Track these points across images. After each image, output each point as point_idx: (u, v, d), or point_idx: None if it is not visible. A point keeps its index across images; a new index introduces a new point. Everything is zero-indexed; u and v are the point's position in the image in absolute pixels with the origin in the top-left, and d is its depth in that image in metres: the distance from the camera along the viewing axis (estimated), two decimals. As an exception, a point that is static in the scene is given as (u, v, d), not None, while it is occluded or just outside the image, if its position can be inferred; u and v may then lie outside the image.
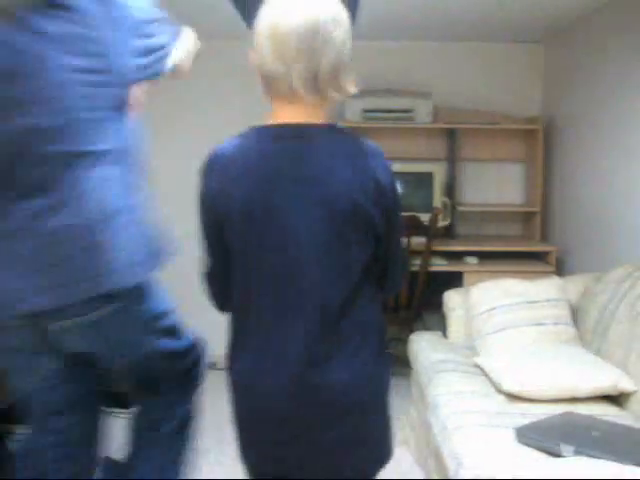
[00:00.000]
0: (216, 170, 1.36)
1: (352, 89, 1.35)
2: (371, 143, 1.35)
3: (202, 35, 4.33)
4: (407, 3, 3.27)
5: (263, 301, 1.32)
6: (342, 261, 1.30)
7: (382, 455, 1.46)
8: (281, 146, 1.30)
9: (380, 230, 1.34)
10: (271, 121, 1.34)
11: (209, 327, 4.66)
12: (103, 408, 2.05)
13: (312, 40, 1.25)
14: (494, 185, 4.25)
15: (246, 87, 4.20)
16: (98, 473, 1.91)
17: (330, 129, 1.33)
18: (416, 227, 3.42)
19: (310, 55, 1.25)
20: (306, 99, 1.29)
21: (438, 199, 3.88)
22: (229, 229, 1.32)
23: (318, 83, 1.28)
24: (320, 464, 1.39)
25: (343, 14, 1.31)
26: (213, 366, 4.10)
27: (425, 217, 3.49)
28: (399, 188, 1.45)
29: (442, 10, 3.40)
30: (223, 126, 4.25)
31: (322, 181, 1.28)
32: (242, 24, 3.65)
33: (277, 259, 1.30)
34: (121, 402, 3.40)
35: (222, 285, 1.42)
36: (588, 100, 3.44)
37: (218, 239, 1.36)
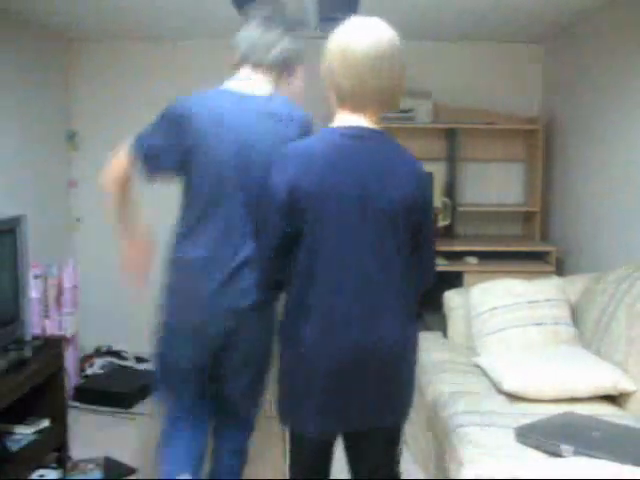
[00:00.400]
0: (292, 162, 1.55)
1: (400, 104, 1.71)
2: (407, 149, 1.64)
3: (202, 35, 4.35)
4: (407, 3, 3.27)
5: (326, 279, 1.55)
6: (391, 249, 1.56)
7: (409, 407, 1.70)
8: (350, 143, 1.55)
9: (419, 226, 1.61)
10: (336, 125, 1.60)
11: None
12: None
13: (380, 64, 1.52)
14: (494, 185, 4.25)
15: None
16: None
17: (383, 134, 1.61)
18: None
19: (378, 76, 1.53)
20: (369, 111, 1.58)
21: (438, 199, 3.88)
22: (301, 213, 1.53)
23: (382, 99, 1.56)
24: (370, 414, 1.61)
25: (399, 41, 1.59)
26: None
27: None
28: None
29: (442, 10, 3.40)
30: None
31: (382, 177, 1.54)
32: (241, 23, 3.65)
33: (342, 243, 1.54)
34: (121, 402, 3.41)
35: (281, 266, 1.62)
36: (588, 100, 3.44)
37: (287, 223, 1.56)
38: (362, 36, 1.53)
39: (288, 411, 1.66)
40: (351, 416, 1.61)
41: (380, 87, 1.54)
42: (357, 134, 1.57)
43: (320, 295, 1.56)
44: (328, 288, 1.56)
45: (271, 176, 1.58)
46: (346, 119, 1.59)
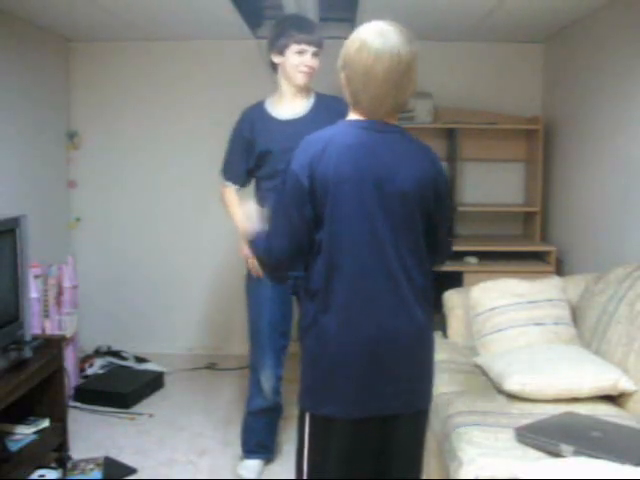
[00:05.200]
0: (310, 149, 1.61)
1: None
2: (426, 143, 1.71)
3: (202, 36, 4.36)
4: (407, 3, 3.26)
5: (347, 265, 1.60)
6: (412, 236, 1.63)
7: (431, 389, 1.75)
8: (366, 132, 1.62)
9: (436, 207, 1.67)
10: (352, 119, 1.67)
11: (209, 327, 4.67)
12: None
13: (400, 81, 1.58)
14: (494, 185, 4.25)
15: (245, 86, 4.20)
16: None
17: (401, 129, 1.68)
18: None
19: (396, 94, 1.60)
20: (384, 117, 1.64)
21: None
22: (323, 199, 1.58)
23: (397, 107, 1.64)
24: (400, 397, 1.65)
25: (416, 43, 1.65)
26: (213, 366, 4.11)
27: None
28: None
29: (442, 10, 3.40)
30: (223, 125, 4.26)
31: (397, 162, 1.61)
32: (242, 24, 3.65)
33: (364, 229, 1.59)
34: (121, 402, 3.41)
35: (301, 253, 1.66)
36: (588, 100, 3.44)
37: (307, 210, 1.59)
38: (384, 57, 1.57)
39: (319, 398, 1.67)
40: (382, 399, 1.64)
41: (397, 102, 1.62)
42: (373, 126, 1.63)
43: (342, 281, 1.60)
44: (350, 273, 1.60)
45: (290, 165, 1.62)
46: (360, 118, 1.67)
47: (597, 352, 2.46)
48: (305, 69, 2.52)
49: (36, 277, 3.18)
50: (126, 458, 2.84)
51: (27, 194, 3.62)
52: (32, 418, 2.67)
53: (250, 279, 2.68)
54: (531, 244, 3.85)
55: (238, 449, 2.82)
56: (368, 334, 1.61)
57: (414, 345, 1.66)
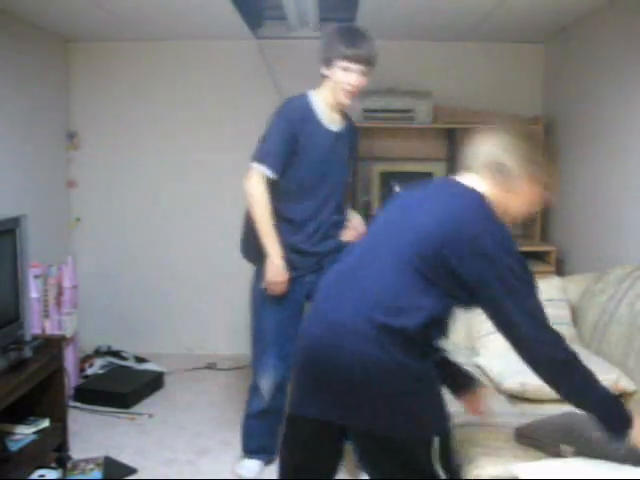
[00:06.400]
0: None
1: None
2: None
3: (202, 36, 4.35)
4: (407, 3, 3.26)
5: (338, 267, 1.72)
6: (401, 266, 1.61)
7: (385, 418, 1.63)
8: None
9: (456, 267, 1.60)
10: None
11: (209, 327, 4.66)
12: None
13: None
14: (494, 185, 4.24)
15: (245, 86, 4.21)
16: None
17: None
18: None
19: None
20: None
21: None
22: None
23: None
24: (335, 406, 1.62)
25: None
26: (213, 366, 4.11)
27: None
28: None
29: (442, 10, 3.40)
30: (223, 125, 4.26)
31: (423, 203, 1.66)
32: (242, 24, 3.65)
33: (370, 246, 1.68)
34: (121, 402, 3.41)
35: None
36: (588, 100, 3.44)
37: None
38: None
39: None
40: (322, 403, 1.59)
41: None
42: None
43: (325, 281, 1.70)
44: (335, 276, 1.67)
45: None
46: None
47: (597, 352, 2.46)
48: (349, 88, 2.42)
49: (36, 277, 3.18)
50: (126, 458, 2.84)
51: (27, 194, 3.62)
52: (32, 418, 2.67)
53: (262, 293, 2.62)
54: (531, 244, 3.85)
55: (238, 449, 2.82)
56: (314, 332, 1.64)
57: (350, 356, 1.53)
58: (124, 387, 3.52)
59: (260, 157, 2.50)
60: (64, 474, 2.66)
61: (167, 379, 3.82)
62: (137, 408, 3.42)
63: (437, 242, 1.53)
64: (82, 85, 4.22)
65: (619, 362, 2.31)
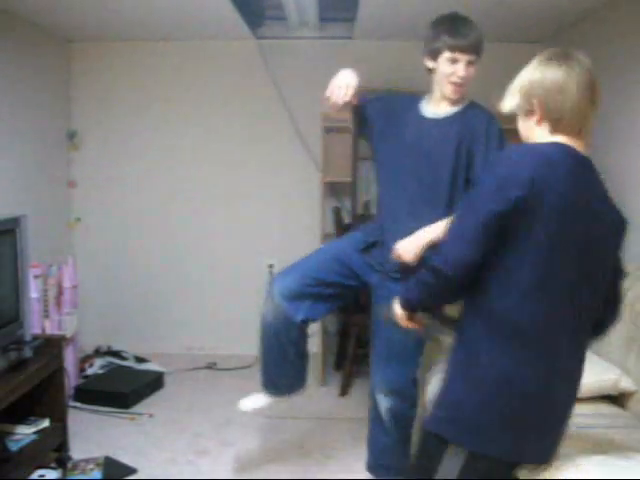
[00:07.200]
0: (538, 172, 1.56)
1: None
2: None
3: (201, 36, 4.35)
4: (407, 3, 3.26)
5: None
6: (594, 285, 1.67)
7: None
8: (576, 163, 1.64)
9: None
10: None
11: (209, 327, 4.65)
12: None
13: (592, 93, 1.68)
14: (494, 185, 4.24)
15: (246, 86, 4.21)
16: None
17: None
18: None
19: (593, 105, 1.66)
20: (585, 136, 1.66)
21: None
22: (532, 222, 1.51)
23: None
24: None
25: None
26: (213, 366, 4.11)
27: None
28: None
29: (442, 10, 3.39)
30: (223, 125, 4.26)
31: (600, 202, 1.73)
32: (242, 24, 3.65)
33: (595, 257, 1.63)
34: (121, 402, 3.41)
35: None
36: (588, 100, 3.43)
37: (502, 231, 1.50)
38: (572, 70, 1.76)
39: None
40: None
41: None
42: (574, 154, 1.66)
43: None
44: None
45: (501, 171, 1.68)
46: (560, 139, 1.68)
47: (597, 352, 2.45)
48: (457, 80, 2.30)
49: (36, 277, 3.18)
50: (126, 458, 2.84)
51: (27, 194, 3.62)
52: (32, 418, 2.67)
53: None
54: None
55: (238, 449, 2.82)
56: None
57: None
58: (124, 387, 3.52)
59: None
60: (64, 474, 2.66)
61: (167, 379, 3.82)
62: (137, 408, 3.42)
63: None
64: (83, 85, 4.22)
65: (619, 362, 2.31)
